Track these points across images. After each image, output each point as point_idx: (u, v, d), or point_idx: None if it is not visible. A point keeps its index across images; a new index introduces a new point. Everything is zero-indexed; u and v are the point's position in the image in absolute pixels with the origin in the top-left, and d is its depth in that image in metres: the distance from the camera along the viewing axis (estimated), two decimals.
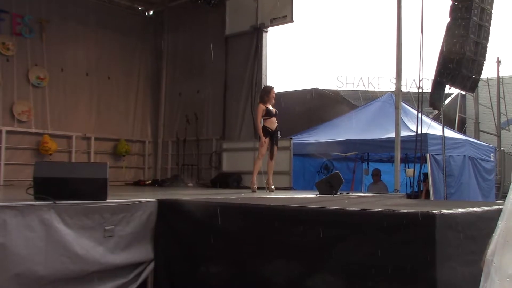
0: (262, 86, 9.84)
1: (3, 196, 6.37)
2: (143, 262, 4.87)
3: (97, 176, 4.60)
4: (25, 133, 10.03)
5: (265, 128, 7.75)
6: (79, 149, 10.84)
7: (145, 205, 4.88)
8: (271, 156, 7.89)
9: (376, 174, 11.41)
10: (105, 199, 4.59)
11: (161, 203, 5.00)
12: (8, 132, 9.71)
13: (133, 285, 4.77)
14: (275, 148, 7.90)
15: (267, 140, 7.71)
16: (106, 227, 4.51)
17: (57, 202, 4.18)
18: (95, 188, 4.55)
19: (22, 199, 4.26)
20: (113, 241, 4.57)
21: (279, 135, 8.01)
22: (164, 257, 4.91)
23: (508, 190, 2.65)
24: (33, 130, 10.12)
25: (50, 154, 10.08)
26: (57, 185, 4.35)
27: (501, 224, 2.43)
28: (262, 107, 7.80)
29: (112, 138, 11.49)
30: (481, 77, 8.42)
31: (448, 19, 7.72)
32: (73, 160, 10.53)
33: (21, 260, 3.96)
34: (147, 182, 11.26)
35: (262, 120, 7.84)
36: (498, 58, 19.24)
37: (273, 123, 7.83)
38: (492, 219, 3.83)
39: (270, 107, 7.87)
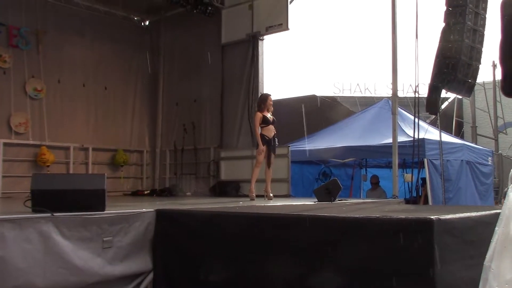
0: (259, 94, 9.88)
1: (1, 209, 6.36)
2: (142, 273, 4.85)
3: (95, 187, 4.59)
4: (23, 145, 10.03)
5: (262, 136, 7.75)
6: (77, 160, 10.83)
7: (143, 215, 4.88)
8: (269, 164, 7.89)
9: (375, 182, 11.39)
10: (103, 210, 4.58)
11: (160, 213, 4.99)
12: (5, 144, 9.70)
13: None
14: (272, 156, 7.89)
15: (264, 148, 7.71)
16: (105, 238, 4.50)
17: (55, 214, 4.17)
18: (93, 199, 4.54)
19: (20, 212, 4.26)
20: (111, 252, 4.56)
21: (276, 143, 8.00)
22: (163, 267, 4.89)
23: (506, 194, 2.65)
24: (31, 142, 10.12)
25: (48, 166, 10.06)
26: (55, 197, 4.34)
27: (498, 230, 2.43)
28: (259, 115, 7.80)
29: (110, 148, 11.49)
30: (477, 81, 8.46)
31: (443, 24, 7.77)
32: (71, 171, 10.52)
33: (20, 273, 3.95)
34: (145, 192, 11.26)
35: (260, 127, 7.84)
36: (493, 62, 19.28)
37: (270, 131, 7.82)
38: (490, 223, 3.83)
39: (268, 115, 7.86)
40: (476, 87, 9.08)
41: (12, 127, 9.91)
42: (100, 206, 4.57)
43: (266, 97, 8.07)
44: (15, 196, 9.05)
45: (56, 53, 10.61)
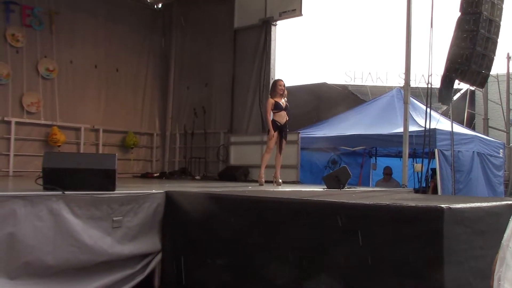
0: (271, 80, 9.84)
1: (13, 186, 6.42)
2: (151, 253, 4.90)
3: (105, 167, 4.63)
4: (34, 125, 10.08)
5: (273, 122, 7.72)
6: (87, 141, 10.89)
7: (153, 196, 4.91)
8: (279, 150, 7.87)
9: (388, 173, 11.30)
10: (114, 190, 4.62)
11: (169, 195, 5.02)
12: (17, 123, 9.76)
13: (141, 276, 4.81)
14: (284, 142, 7.87)
15: (275, 134, 7.68)
16: (114, 218, 4.55)
17: (66, 192, 4.21)
18: (104, 179, 4.58)
19: (31, 189, 4.30)
20: (121, 232, 4.61)
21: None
22: (172, 248, 4.93)
23: None
24: (42, 122, 10.17)
25: (59, 146, 10.12)
26: (66, 175, 4.38)
27: None
28: (270, 101, 7.76)
29: (120, 130, 11.53)
30: (490, 73, 8.36)
31: (458, 14, 7.67)
32: (81, 152, 10.56)
33: (30, 249, 4.01)
34: (155, 175, 11.31)
35: (272, 113, 7.79)
36: (508, 54, 19.04)
37: (282, 117, 7.76)
38: (501, 214, 3.83)
39: (282, 101, 7.81)
40: (489, 79, 8.96)
41: (24, 107, 9.96)
42: (110, 186, 4.61)
43: (275, 82, 8.02)
44: (26, 175, 9.14)
45: (68, 34, 10.62)
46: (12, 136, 9.64)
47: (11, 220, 3.91)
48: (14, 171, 9.56)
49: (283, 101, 7.80)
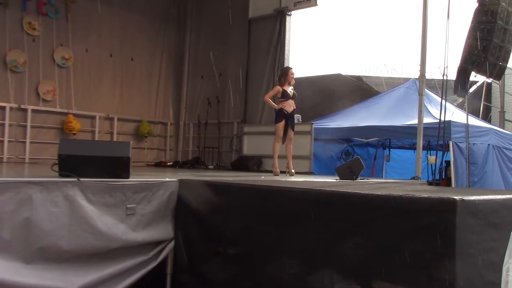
0: None
1: (29, 172, 6.50)
2: (164, 241, 4.95)
3: (120, 154, 4.67)
4: (50, 113, 10.20)
5: (281, 110, 7.69)
6: (102, 129, 11.00)
7: (166, 184, 4.95)
8: (288, 140, 7.80)
9: None
10: (128, 177, 4.67)
11: (182, 183, 5.06)
12: (33, 111, 9.88)
13: (153, 263, 4.87)
14: (291, 132, 7.80)
15: (282, 122, 7.64)
16: (128, 205, 4.60)
17: (81, 179, 4.26)
18: (118, 166, 4.62)
19: (47, 176, 4.36)
20: (134, 219, 4.66)
21: (299, 120, 7.92)
22: (184, 236, 4.97)
23: None
24: (58, 110, 10.29)
25: (74, 134, 10.24)
26: (81, 162, 4.43)
27: None
28: (278, 88, 7.73)
29: (134, 119, 11.62)
30: (508, 65, 8.26)
31: (476, 5, 7.58)
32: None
33: (45, 234, 4.07)
34: (168, 164, 11.38)
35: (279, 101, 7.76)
36: None
37: (290, 106, 7.67)
38: None
39: (289, 89, 7.75)
40: (506, 71, 8.85)
41: (40, 94, 10.07)
42: (124, 173, 4.65)
43: (287, 70, 7.94)
44: (41, 162, 9.26)
45: (84, 23, 10.70)
46: (28, 124, 9.76)
47: (27, 205, 3.97)
48: (30, 158, 9.70)
49: (290, 90, 7.75)
